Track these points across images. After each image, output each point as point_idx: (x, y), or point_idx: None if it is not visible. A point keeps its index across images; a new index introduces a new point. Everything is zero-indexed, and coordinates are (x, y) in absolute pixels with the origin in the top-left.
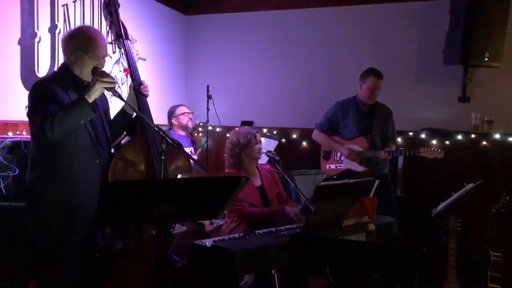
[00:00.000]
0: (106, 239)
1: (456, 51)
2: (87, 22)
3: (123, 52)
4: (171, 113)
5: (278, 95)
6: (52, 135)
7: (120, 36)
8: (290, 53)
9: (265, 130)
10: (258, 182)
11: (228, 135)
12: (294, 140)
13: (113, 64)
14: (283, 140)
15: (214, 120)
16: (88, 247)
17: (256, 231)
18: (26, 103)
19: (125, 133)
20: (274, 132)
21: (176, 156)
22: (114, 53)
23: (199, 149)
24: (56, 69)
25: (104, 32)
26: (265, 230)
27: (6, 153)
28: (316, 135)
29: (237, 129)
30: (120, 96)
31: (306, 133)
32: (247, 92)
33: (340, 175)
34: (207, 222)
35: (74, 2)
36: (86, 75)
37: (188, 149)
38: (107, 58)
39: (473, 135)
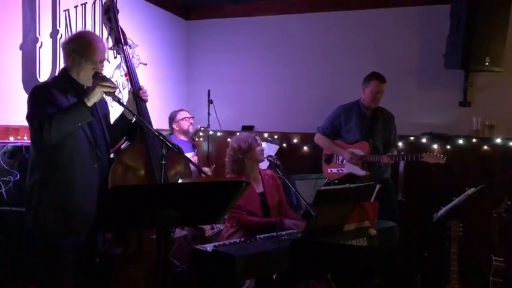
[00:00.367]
0: (106, 244)
1: (457, 56)
2: (89, 27)
3: (123, 57)
4: (172, 118)
5: (279, 99)
6: (49, 136)
7: (119, 41)
8: (291, 58)
9: (266, 135)
10: (259, 189)
11: (229, 139)
12: (294, 145)
13: (114, 69)
14: (284, 144)
15: (215, 125)
16: (88, 252)
17: (257, 236)
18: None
19: (125, 138)
20: (275, 136)
21: (176, 161)
22: (115, 58)
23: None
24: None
25: (104, 37)
26: (266, 235)
27: (8, 158)
28: (318, 138)
29: (237, 135)
30: (119, 101)
31: (306, 138)
32: (248, 97)
33: (342, 179)
34: (207, 227)
35: (76, 7)
36: (83, 79)
37: (190, 154)
38: (108, 63)
39: (474, 140)
